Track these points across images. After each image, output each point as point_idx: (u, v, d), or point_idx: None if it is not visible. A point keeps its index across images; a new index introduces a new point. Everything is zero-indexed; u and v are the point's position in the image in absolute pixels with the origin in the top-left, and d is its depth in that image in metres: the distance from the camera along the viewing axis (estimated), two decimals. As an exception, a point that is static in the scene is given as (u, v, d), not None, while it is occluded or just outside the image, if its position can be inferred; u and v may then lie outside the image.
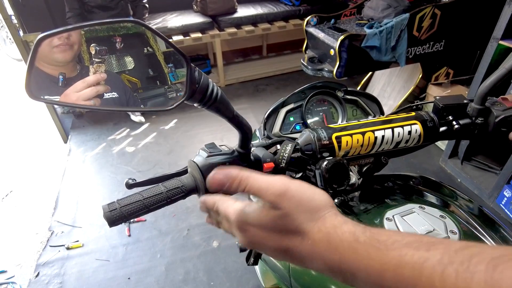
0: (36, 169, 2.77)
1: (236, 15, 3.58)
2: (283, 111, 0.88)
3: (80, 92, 0.49)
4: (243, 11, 3.63)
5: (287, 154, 0.63)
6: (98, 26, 0.48)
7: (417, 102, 0.89)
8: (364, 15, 2.69)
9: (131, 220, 2.18)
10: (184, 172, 0.71)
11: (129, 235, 2.11)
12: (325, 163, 0.61)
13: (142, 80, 0.64)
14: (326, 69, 2.42)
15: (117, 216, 0.51)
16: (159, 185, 0.56)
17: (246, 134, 0.59)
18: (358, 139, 0.65)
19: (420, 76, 2.67)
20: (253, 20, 3.62)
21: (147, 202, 0.53)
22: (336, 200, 0.75)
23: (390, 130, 0.67)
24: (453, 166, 2.47)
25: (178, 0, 3.66)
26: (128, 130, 3.12)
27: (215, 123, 3.05)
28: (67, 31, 0.43)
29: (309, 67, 2.51)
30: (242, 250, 1.69)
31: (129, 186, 0.69)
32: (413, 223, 0.62)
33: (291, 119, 0.89)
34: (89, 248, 2.05)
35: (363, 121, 0.68)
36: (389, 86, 3.01)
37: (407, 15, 2.33)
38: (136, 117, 3.22)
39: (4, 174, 2.76)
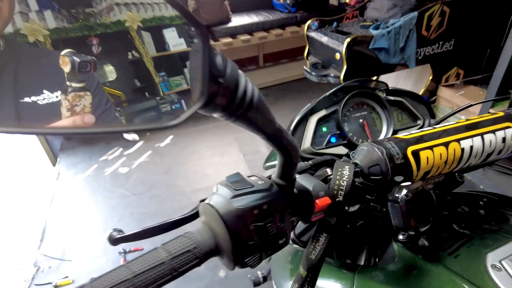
0: (21, 196, 2.54)
1: (230, 24, 3.43)
2: (313, 120, 0.69)
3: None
4: (237, 20, 3.49)
5: (345, 182, 0.44)
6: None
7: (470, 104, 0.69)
8: (368, 17, 2.54)
9: (127, 249, 1.96)
10: (192, 216, 0.50)
11: (125, 268, 1.88)
12: (404, 192, 0.42)
13: (127, 92, 0.43)
14: (332, 74, 2.25)
15: None
16: (158, 248, 0.35)
17: (290, 157, 0.39)
18: (441, 154, 0.47)
19: (430, 78, 2.51)
20: (249, 29, 3.48)
21: (139, 281, 0.32)
22: (401, 237, 0.55)
23: (480, 137, 0.49)
24: (474, 172, 2.29)
25: (169, 10, 3.51)
26: (121, 149, 2.91)
27: (214, 137, 2.85)
28: None
29: (313, 73, 2.34)
30: (256, 284, 1.45)
31: (114, 241, 0.48)
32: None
33: (324, 129, 0.70)
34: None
35: (441, 127, 0.50)
36: (396, 91, 2.86)
37: (415, 13, 2.19)
38: (129, 135, 3.01)
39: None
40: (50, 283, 1.84)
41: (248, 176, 0.43)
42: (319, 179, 0.47)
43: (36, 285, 1.85)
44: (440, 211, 0.62)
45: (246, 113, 0.32)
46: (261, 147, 2.72)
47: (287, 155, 0.39)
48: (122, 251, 1.95)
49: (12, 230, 2.26)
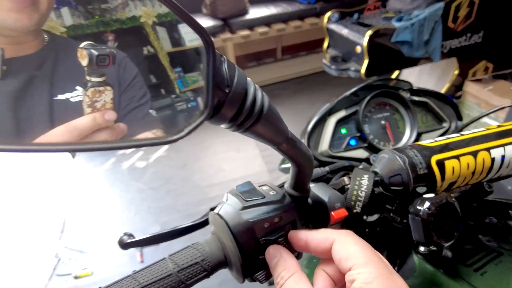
0: (43, 188, 2.60)
1: (248, 16, 3.38)
2: (332, 121, 0.66)
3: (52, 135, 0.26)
4: (255, 12, 3.43)
5: (364, 193, 0.41)
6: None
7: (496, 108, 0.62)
8: (390, 8, 2.45)
9: (144, 244, 1.98)
10: (202, 224, 0.50)
11: (142, 261, 1.90)
12: (426, 204, 0.39)
13: None
14: (353, 68, 2.19)
15: None
16: (165, 259, 0.34)
17: (303, 168, 0.37)
18: (468, 163, 0.43)
19: (457, 72, 2.41)
20: (267, 21, 3.41)
21: None
22: (422, 249, 0.52)
23: (512, 146, 0.45)
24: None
25: (186, 3, 3.48)
26: (138, 143, 2.94)
27: (229, 131, 2.83)
28: None
29: (333, 67, 2.28)
30: (272, 283, 1.45)
31: (124, 246, 0.49)
32: None
33: (343, 131, 0.67)
34: (98, 277, 1.86)
35: (469, 134, 0.46)
36: (419, 86, 2.75)
37: (441, 4, 2.09)
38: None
39: (6, 194, 2.60)
40: (70, 274, 1.89)
41: (260, 186, 0.41)
42: (335, 188, 0.45)
43: (57, 275, 1.90)
44: (466, 221, 0.58)
45: (255, 124, 0.30)
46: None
47: (301, 166, 0.37)
48: (139, 244, 1.98)
49: (35, 221, 2.32)
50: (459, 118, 0.72)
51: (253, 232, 0.35)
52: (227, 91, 0.27)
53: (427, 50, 2.19)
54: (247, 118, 0.29)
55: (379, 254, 0.32)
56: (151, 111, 0.33)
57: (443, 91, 2.50)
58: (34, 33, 0.28)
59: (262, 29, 3.37)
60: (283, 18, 3.46)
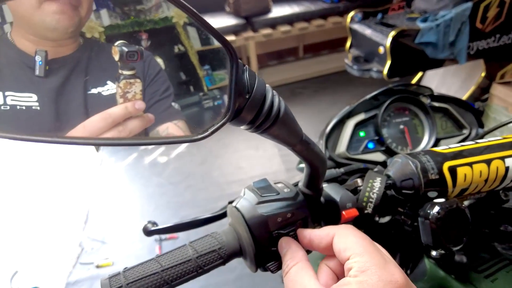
0: (69, 180, 2.71)
1: (270, 15, 3.39)
2: (350, 124, 0.67)
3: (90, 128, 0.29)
4: (278, 11, 3.44)
5: (375, 195, 0.42)
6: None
7: None
8: (415, 8, 2.40)
9: (163, 237, 2.04)
10: (221, 216, 0.53)
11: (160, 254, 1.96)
12: (435, 209, 0.40)
13: (174, 86, 0.46)
14: (375, 69, 2.17)
15: None
16: (186, 245, 0.37)
17: (316, 168, 0.39)
18: (481, 171, 0.43)
19: (483, 74, 2.33)
20: (289, 20, 3.41)
21: (167, 275, 0.35)
22: (434, 253, 0.52)
23: (529, 155, 0.45)
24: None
25: (210, 1, 3.54)
26: (160, 138, 3.01)
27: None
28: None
29: (355, 67, 2.27)
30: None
31: (148, 233, 0.53)
32: None
33: (362, 134, 0.68)
34: (118, 267, 1.92)
35: (484, 142, 0.46)
36: (443, 88, 2.69)
37: (469, 4, 2.03)
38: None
39: (35, 185, 2.72)
40: (92, 263, 1.97)
41: (275, 183, 0.43)
42: (348, 189, 0.46)
43: (80, 263, 1.98)
44: (480, 228, 0.58)
45: (272, 127, 0.32)
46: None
47: (314, 166, 0.39)
48: (158, 238, 2.04)
49: (61, 211, 2.41)
50: (480, 125, 0.72)
51: (266, 225, 0.38)
52: (247, 97, 0.30)
53: (453, 52, 2.14)
54: (265, 121, 0.32)
55: (377, 245, 0.34)
56: (173, 104, 0.36)
57: (468, 93, 2.43)
58: (73, 36, 0.31)
59: (284, 28, 3.38)
60: (306, 17, 3.45)
